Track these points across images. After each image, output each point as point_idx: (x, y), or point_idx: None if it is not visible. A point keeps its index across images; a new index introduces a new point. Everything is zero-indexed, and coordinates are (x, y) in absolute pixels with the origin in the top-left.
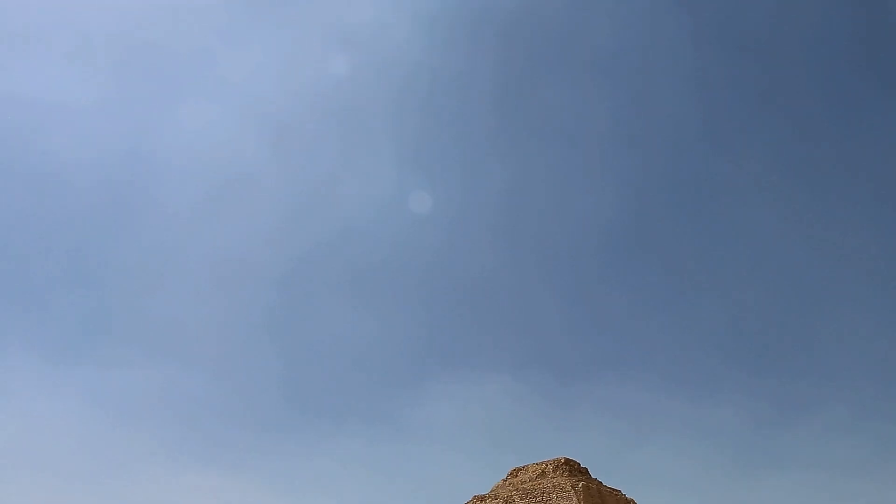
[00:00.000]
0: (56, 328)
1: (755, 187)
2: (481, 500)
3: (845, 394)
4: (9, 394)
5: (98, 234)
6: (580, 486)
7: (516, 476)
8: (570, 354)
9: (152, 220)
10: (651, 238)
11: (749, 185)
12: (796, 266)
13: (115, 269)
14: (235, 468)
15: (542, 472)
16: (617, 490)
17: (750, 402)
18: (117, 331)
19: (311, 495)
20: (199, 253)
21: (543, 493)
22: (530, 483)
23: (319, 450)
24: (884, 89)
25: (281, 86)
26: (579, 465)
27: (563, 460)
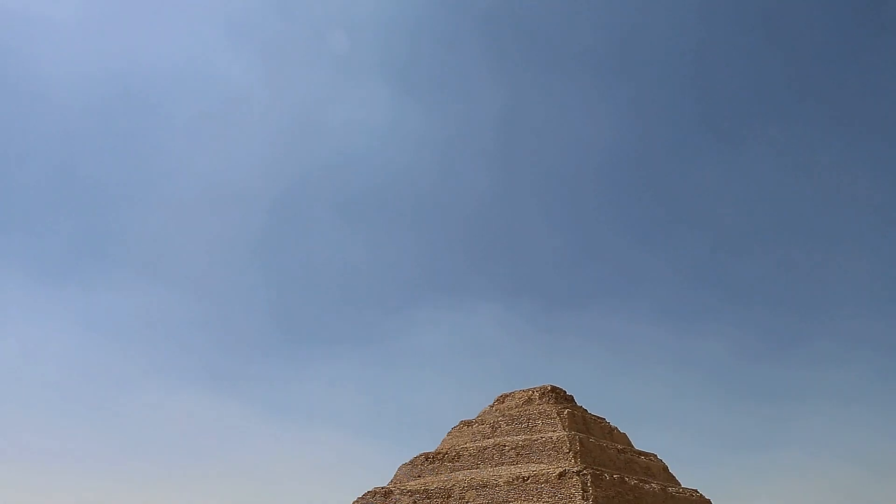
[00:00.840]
0: (45, 250)
1: (753, 122)
2: (468, 425)
3: (833, 326)
4: None
5: (86, 156)
6: (565, 412)
7: (503, 402)
8: (560, 284)
9: (141, 141)
10: (646, 168)
11: (747, 120)
12: (791, 200)
13: (104, 191)
14: (225, 390)
15: (529, 398)
16: (601, 417)
17: (738, 334)
18: (107, 253)
19: (300, 417)
20: (189, 175)
21: (529, 419)
22: (517, 409)
23: (309, 373)
24: (886, 26)
25: (269, 7)
26: (565, 392)
27: (549, 388)
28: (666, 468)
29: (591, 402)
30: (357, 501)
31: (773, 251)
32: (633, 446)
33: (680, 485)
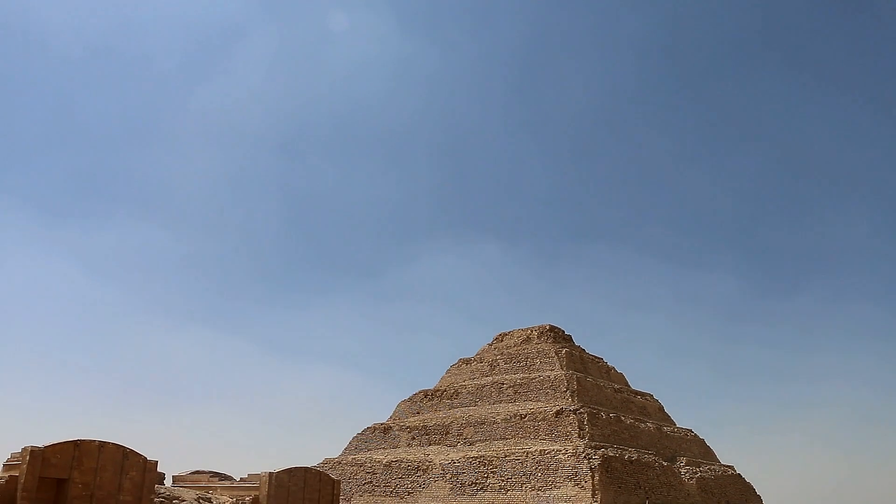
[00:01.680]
0: (45, 187)
1: (760, 60)
2: (467, 363)
3: (839, 261)
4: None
5: (85, 93)
6: (563, 352)
7: (502, 341)
8: (565, 222)
9: (140, 78)
10: (653, 106)
11: (754, 58)
12: (797, 137)
13: (104, 128)
14: (226, 326)
15: (528, 337)
16: (599, 357)
17: (745, 270)
18: (106, 190)
19: (301, 354)
20: (190, 113)
21: (527, 357)
22: (515, 348)
23: (310, 310)
24: None
25: None
26: (563, 332)
27: (547, 327)
28: (661, 408)
29: (590, 341)
30: (357, 437)
31: (778, 187)
32: (629, 386)
33: (675, 424)
